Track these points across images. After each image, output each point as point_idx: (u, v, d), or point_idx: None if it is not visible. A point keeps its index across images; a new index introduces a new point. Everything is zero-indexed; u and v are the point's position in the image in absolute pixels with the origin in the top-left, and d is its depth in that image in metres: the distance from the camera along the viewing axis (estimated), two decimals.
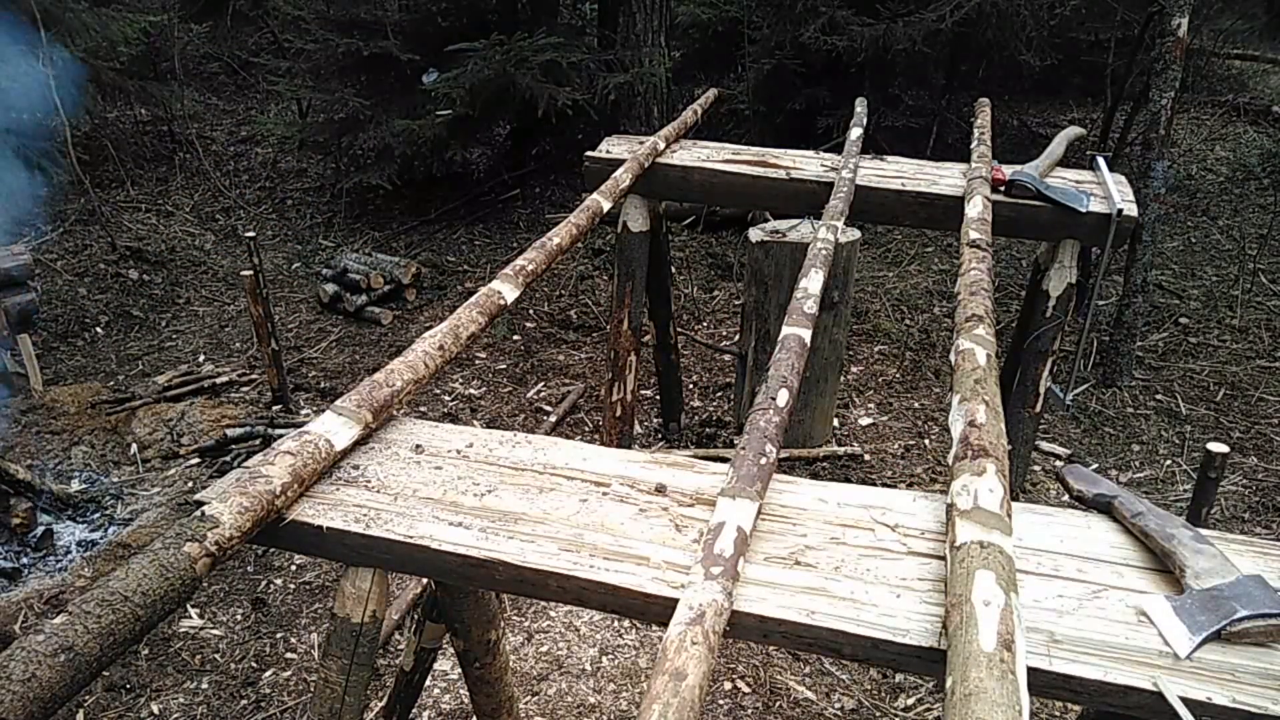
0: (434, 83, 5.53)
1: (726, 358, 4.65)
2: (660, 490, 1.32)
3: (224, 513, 1.14)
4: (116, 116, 7.10)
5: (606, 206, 2.46)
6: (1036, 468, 3.71)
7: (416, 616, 2.13)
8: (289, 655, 2.87)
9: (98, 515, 3.42)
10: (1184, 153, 6.92)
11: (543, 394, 4.39)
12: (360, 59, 5.92)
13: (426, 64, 5.79)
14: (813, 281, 1.87)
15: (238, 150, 7.40)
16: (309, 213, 6.60)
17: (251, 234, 4.23)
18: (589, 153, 3.10)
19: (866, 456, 3.85)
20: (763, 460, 1.23)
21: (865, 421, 4.14)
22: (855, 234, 3.55)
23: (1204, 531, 1.21)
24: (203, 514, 1.14)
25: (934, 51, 6.10)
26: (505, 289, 1.83)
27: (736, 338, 4.44)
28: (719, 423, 4.12)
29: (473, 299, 1.76)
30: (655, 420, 4.14)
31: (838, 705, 2.65)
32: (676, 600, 1.02)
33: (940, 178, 2.91)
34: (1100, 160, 2.94)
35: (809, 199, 2.91)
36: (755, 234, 3.61)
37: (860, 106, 3.53)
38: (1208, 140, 7.17)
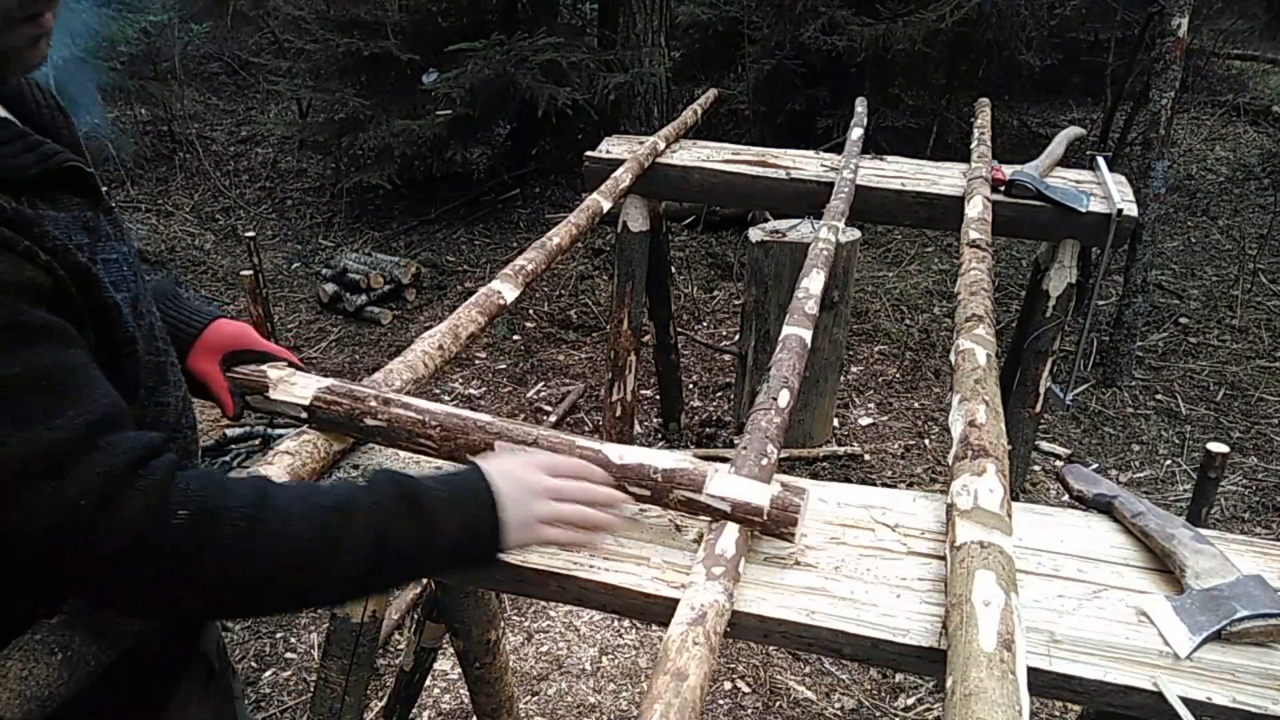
0: (434, 83, 5.53)
1: (726, 358, 4.65)
2: None
3: None
4: (116, 116, 7.10)
5: (606, 206, 2.46)
6: (1036, 468, 3.71)
7: (416, 616, 2.13)
8: (289, 655, 2.87)
9: None
10: (1184, 153, 6.92)
11: (543, 394, 4.39)
12: (360, 59, 5.92)
13: (426, 64, 5.79)
14: (813, 281, 1.87)
15: (238, 150, 7.41)
16: (309, 213, 6.60)
17: (251, 234, 4.24)
18: (589, 153, 3.09)
19: (866, 456, 3.85)
20: (764, 461, 1.23)
21: (865, 421, 4.14)
22: (855, 234, 3.55)
23: (1204, 531, 1.21)
24: None
25: (934, 51, 6.10)
26: (505, 289, 1.83)
27: (736, 338, 4.44)
28: (719, 423, 4.12)
29: (472, 299, 1.76)
30: (655, 420, 4.14)
31: (838, 705, 2.65)
32: (677, 600, 1.02)
33: (940, 178, 2.91)
34: (1100, 160, 2.93)
35: (809, 199, 2.91)
36: (755, 234, 3.61)
37: (861, 106, 3.53)
38: (1208, 140, 7.17)
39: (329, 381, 1.32)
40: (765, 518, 1.11)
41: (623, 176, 2.66)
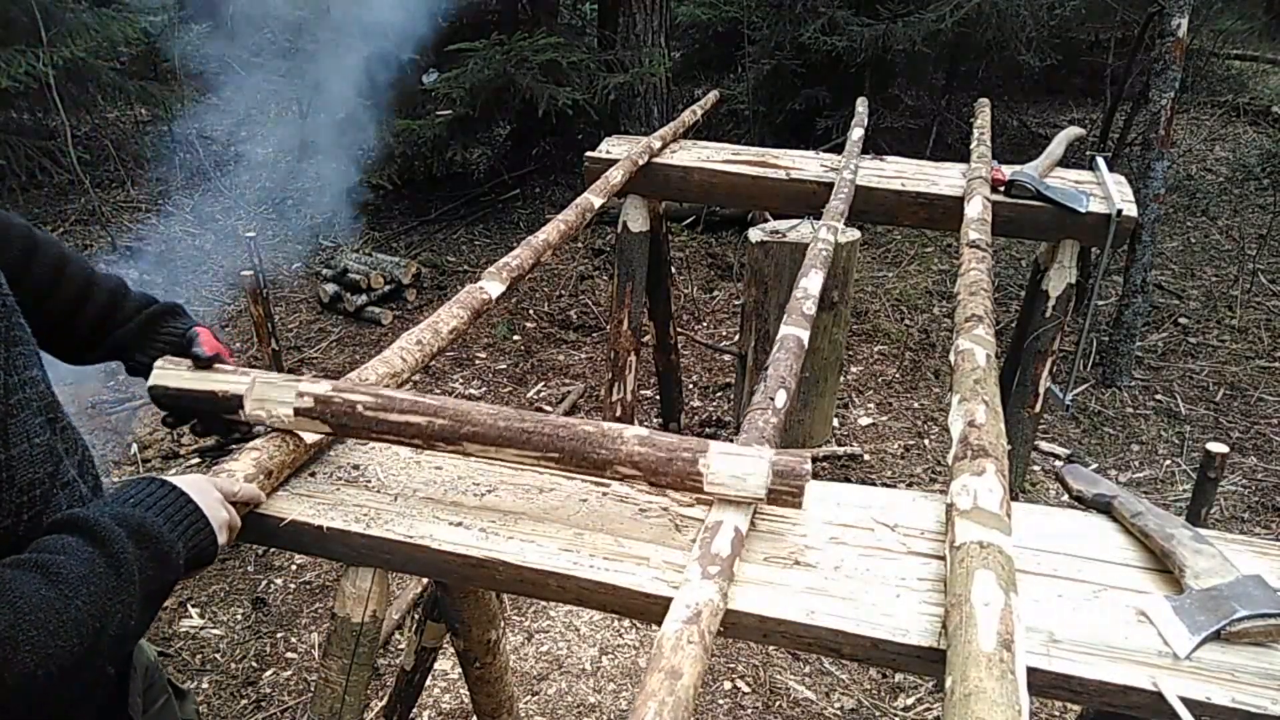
0: (434, 83, 5.53)
1: (726, 358, 4.65)
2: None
3: None
4: (116, 116, 7.10)
5: (597, 204, 2.46)
6: (1036, 468, 3.71)
7: (417, 616, 2.13)
8: (289, 655, 2.87)
9: None
10: (1184, 153, 6.93)
11: (543, 394, 4.39)
12: (360, 58, 5.91)
13: (426, 64, 5.79)
14: (812, 281, 1.87)
15: (238, 150, 7.40)
16: (309, 213, 6.60)
17: (251, 234, 4.23)
18: (590, 153, 3.09)
19: (866, 456, 3.85)
20: None
21: (865, 421, 4.14)
22: (855, 234, 3.55)
23: (1203, 531, 1.21)
24: None
25: (934, 51, 6.10)
26: (490, 285, 1.85)
27: (736, 338, 4.44)
28: (719, 423, 4.12)
29: (456, 296, 1.78)
30: (655, 420, 4.14)
31: (837, 705, 2.66)
32: None
33: (940, 178, 2.91)
34: (1100, 160, 2.93)
35: (809, 199, 2.91)
36: (755, 234, 3.61)
37: (861, 106, 3.53)
38: (1208, 140, 7.17)
39: (303, 384, 1.28)
40: (768, 481, 1.10)
41: (613, 174, 2.67)
